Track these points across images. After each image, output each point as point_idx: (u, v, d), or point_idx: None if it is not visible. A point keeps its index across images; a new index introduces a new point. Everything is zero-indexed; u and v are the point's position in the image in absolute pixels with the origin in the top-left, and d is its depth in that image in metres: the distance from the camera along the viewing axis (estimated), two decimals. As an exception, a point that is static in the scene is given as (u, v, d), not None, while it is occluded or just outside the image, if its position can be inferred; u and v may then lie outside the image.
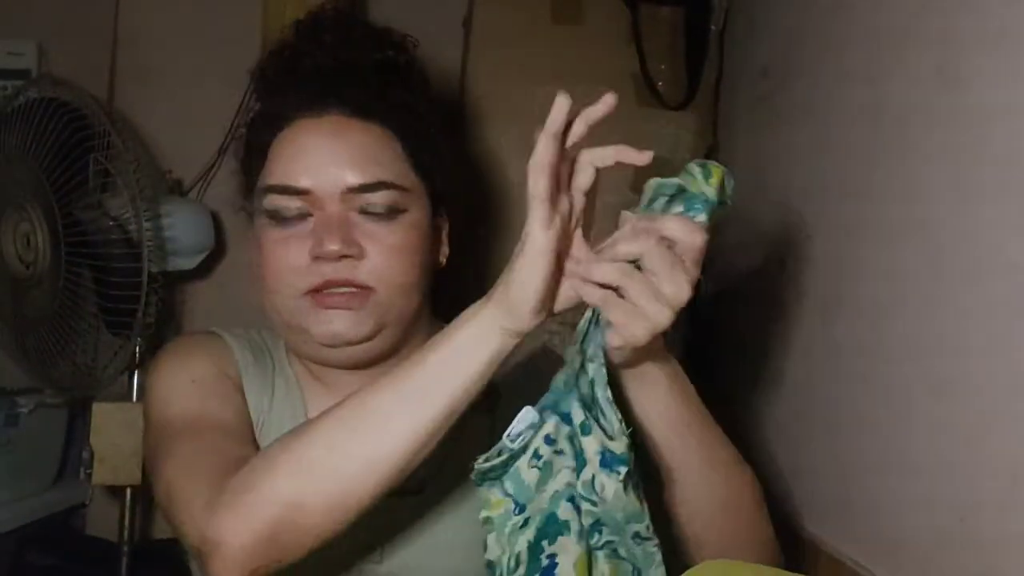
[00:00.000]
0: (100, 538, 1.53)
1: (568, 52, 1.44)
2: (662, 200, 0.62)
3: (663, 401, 0.67)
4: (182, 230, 1.41)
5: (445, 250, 0.89)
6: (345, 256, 0.77)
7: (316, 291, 0.78)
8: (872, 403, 0.91)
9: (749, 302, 1.29)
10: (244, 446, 0.76)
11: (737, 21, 1.46)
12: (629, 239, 0.60)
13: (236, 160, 0.88)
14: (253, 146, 0.84)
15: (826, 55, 1.10)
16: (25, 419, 1.37)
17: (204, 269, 1.54)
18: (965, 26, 0.76)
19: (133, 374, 1.40)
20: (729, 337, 1.37)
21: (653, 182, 0.62)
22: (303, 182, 0.77)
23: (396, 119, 0.82)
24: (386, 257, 0.78)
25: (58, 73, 1.41)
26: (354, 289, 0.78)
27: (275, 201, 0.79)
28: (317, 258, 0.77)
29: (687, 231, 0.59)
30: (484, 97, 1.46)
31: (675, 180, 0.61)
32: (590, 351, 0.62)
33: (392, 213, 0.79)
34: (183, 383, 0.80)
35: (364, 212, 0.78)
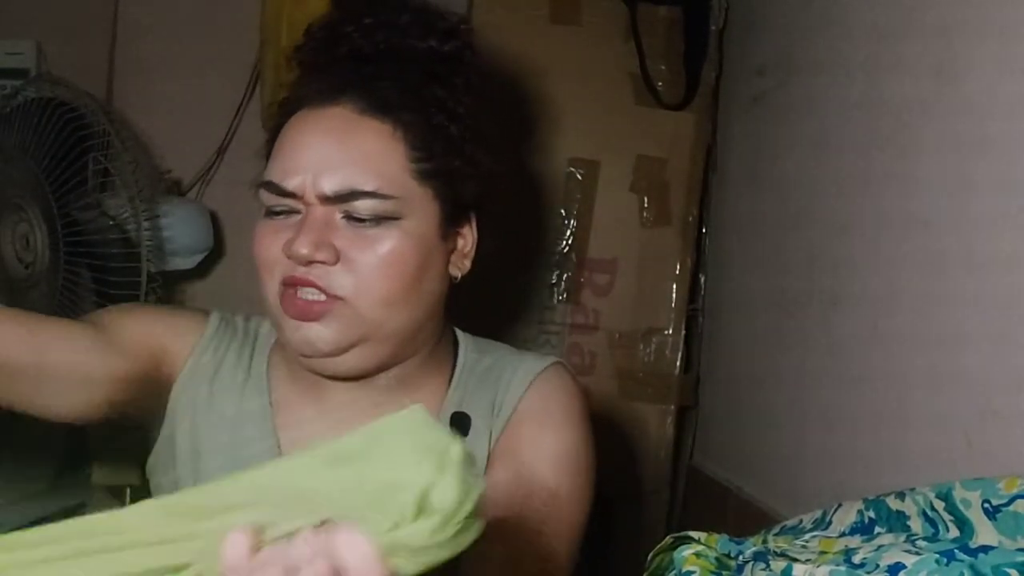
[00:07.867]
0: (99, 538, 1.52)
1: (567, 52, 1.43)
2: None
3: None
4: (181, 230, 1.41)
5: (465, 264, 0.81)
6: (315, 262, 0.72)
7: (287, 286, 0.73)
8: (869, 396, 0.91)
9: (748, 298, 1.29)
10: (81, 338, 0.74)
11: (736, 20, 1.46)
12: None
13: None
14: (274, 128, 0.78)
15: (824, 53, 1.10)
16: (24, 419, 1.37)
17: (203, 269, 1.54)
18: (963, 21, 0.77)
19: (132, 374, 1.40)
20: (729, 332, 1.37)
21: None
22: (289, 184, 0.73)
23: (413, 117, 0.75)
24: (365, 267, 0.73)
25: (57, 72, 1.41)
26: (322, 297, 0.72)
27: (267, 198, 0.75)
28: (289, 256, 0.73)
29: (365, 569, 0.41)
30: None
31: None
32: None
33: (379, 220, 0.73)
34: (116, 310, 0.81)
35: (350, 217, 0.73)
